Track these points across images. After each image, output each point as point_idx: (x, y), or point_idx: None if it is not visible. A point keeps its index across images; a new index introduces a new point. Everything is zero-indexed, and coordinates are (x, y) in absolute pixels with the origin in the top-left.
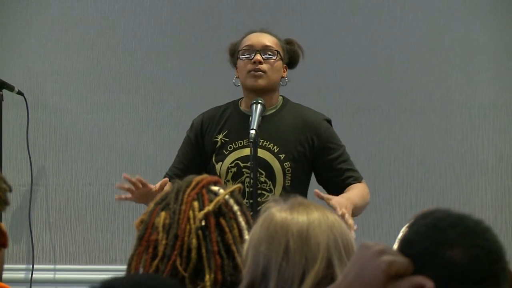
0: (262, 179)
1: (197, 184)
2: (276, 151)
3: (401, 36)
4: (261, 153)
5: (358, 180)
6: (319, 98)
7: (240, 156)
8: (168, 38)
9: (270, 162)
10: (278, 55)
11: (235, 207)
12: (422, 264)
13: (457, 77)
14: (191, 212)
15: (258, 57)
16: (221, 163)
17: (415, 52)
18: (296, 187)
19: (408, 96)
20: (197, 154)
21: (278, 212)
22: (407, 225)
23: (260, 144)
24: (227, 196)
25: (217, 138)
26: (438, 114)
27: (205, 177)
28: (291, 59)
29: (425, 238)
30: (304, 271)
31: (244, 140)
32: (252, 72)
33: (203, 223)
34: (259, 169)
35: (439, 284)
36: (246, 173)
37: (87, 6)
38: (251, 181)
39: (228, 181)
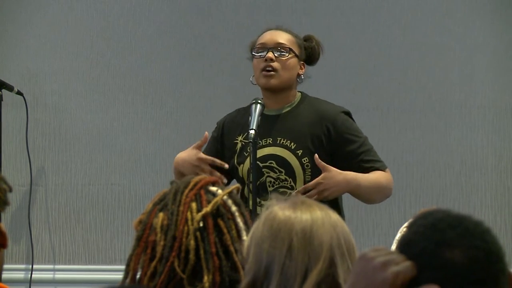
0: (282, 177)
1: (195, 185)
2: (293, 147)
3: (400, 36)
4: (279, 151)
5: (379, 169)
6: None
7: (259, 156)
8: (168, 38)
9: (288, 159)
10: (291, 52)
11: (233, 208)
12: (421, 265)
13: (457, 77)
14: (189, 213)
15: (270, 54)
16: (242, 165)
17: (414, 52)
18: None
19: (407, 96)
20: (216, 154)
21: (281, 210)
22: (405, 225)
23: (278, 142)
24: (225, 197)
25: (237, 140)
26: (437, 114)
27: (203, 177)
28: (309, 56)
29: (424, 238)
30: (306, 270)
31: (263, 140)
32: (264, 72)
33: (201, 224)
34: (278, 167)
35: (438, 285)
36: (267, 172)
37: (86, 6)
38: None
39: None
